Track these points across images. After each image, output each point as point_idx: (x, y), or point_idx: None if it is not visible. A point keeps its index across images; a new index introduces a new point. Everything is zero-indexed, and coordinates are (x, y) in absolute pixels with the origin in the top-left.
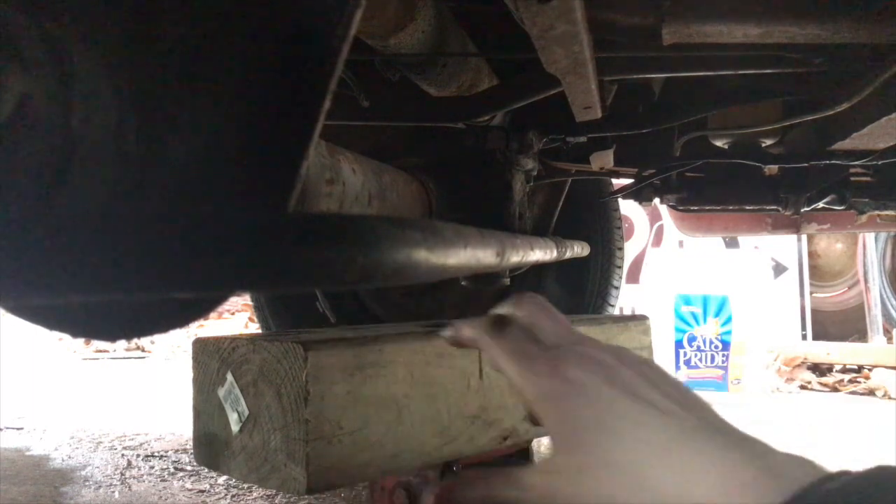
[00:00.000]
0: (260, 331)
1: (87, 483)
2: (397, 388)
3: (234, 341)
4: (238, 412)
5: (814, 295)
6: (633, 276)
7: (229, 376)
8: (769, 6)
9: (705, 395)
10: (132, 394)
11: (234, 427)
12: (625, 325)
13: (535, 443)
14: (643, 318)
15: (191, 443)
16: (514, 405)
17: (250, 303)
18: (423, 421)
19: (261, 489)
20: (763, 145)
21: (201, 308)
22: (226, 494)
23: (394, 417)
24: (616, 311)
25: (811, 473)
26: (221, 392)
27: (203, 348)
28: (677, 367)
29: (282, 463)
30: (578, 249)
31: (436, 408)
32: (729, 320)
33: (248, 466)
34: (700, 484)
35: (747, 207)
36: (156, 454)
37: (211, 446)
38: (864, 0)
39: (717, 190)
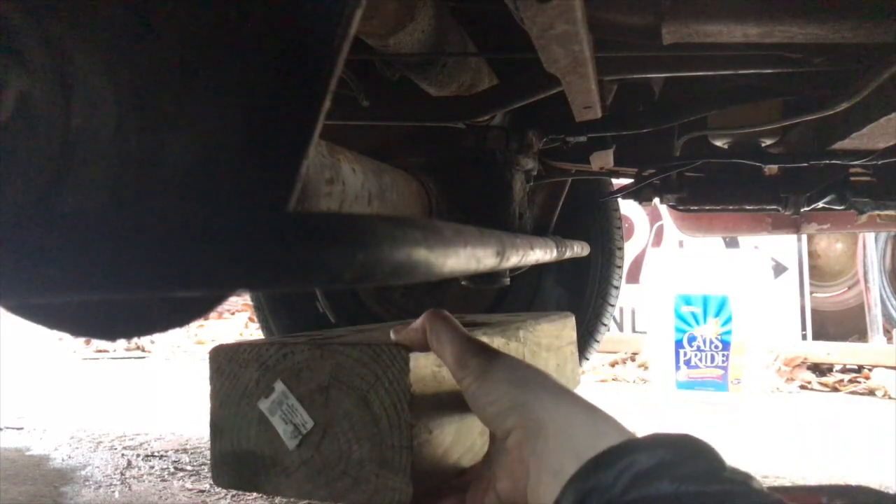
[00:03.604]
0: (260, 331)
1: (87, 483)
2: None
3: (284, 346)
4: (295, 424)
5: (814, 295)
6: (633, 276)
7: (279, 385)
8: (769, 6)
9: (705, 395)
10: (132, 394)
11: (290, 441)
12: (563, 323)
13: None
14: (570, 315)
15: (191, 443)
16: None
17: (250, 303)
18: None
19: None
20: (763, 145)
21: (201, 307)
22: (226, 494)
23: (459, 413)
24: (616, 311)
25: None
26: (265, 404)
27: (231, 356)
28: (677, 367)
29: (371, 473)
30: (578, 249)
31: None
32: (729, 320)
33: (313, 483)
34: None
35: (747, 207)
36: (156, 454)
37: (246, 466)
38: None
39: (716, 190)
